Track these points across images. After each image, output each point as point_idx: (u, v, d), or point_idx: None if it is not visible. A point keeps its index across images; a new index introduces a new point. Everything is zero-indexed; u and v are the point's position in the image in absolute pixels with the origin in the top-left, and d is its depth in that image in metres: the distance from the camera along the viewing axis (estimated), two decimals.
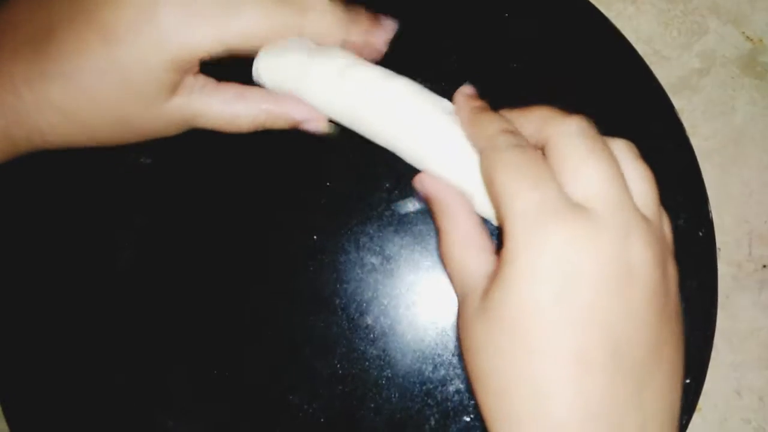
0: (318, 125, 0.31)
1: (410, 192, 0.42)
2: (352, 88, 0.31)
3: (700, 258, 0.40)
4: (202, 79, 0.30)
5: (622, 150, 0.27)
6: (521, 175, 0.24)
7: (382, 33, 0.31)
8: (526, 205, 0.23)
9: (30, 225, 0.42)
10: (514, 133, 0.27)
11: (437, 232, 0.29)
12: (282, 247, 0.41)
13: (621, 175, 0.25)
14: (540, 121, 0.27)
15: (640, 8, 0.47)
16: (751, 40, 0.47)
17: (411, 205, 0.42)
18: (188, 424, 0.40)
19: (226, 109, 0.31)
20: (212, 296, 0.41)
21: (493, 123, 0.27)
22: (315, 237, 0.41)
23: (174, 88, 0.29)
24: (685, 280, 0.40)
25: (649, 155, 0.42)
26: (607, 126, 0.43)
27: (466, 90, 0.31)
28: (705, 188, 0.41)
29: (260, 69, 0.31)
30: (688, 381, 0.39)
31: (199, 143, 0.43)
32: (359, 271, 0.40)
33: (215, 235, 0.42)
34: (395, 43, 0.44)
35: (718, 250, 0.42)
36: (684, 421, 0.38)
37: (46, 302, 0.41)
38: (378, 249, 0.41)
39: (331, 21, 0.29)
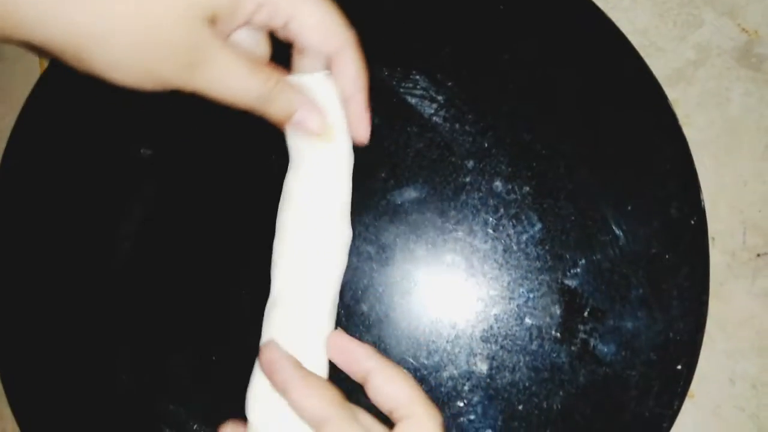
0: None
1: (405, 182, 0.42)
2: None
3: (693, 245, 0.41)
4: (243, 51, 0.29)
5: None
6: None
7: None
8: None
9: (32, 217, 0.44)
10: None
11: None
12: None
13: None
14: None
15: (636, 0, 0.48)
16: (747, 31, 0.47)
17: (406, 195, 0.42)
18: (188, 409, 0.41)
19: (231, 85, 0.29)
20: (209, 283, 0.42)
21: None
22: None
23: (205, 24, 0.27)
24: (677, 267, 0.41)
25: (642, 146, 0.43)
26: (601, 117, 0.43)
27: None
28: (697, 177, 0.42)
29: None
30: (679, 367, 0.39)
31: (198, 134, 0.44)
32: (355, 260, 0.41)
33: (213, 225, 0.43)
34: (389, 35, 0.44)
35: (712, 240, 0.42)
36: (675, 407, 0.39)
37: (48, 294, 0.42)
38: (373, 238, 0.42)
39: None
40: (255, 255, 0.42)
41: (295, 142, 0.39)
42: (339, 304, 0.41)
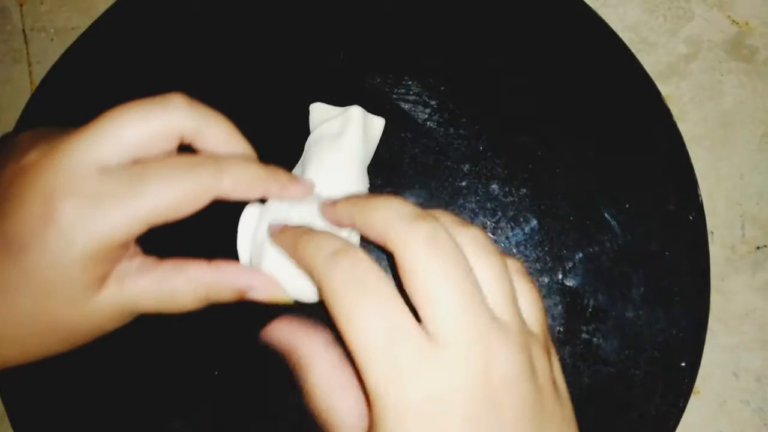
0: (264, 293, 0.30)
1: (402, 188, 0.42)
2: None
3: (692, 241, 0.41)
4: (139, 261, 0.28)
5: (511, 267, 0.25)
6: (361, 295, 0.22)
7: (300, 189, 0.30)
8: (373, 336, 0.22)
9: None
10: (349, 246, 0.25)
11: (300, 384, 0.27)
12: None
13: (475, 292, 0.23)
14: (383, 227, 0.24)
15: None
16: (737, 23, 0.47)
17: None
18: (193, 423, 0.41)
19: (162, 288, 0.28)
20: None
21: (324, 239, 0.25)
22: None
23: (101, 282, 0.26)
24: (677, 264, 0.40)
25: (638, 143, 0.43)
26: (595, 116, 0.43)
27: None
28: (694, 173, 0.42)
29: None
30: (683, 364, 0.39)
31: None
32: None
33: (212, 230, 0.42)
34: (380, 41, 0.44)
35: (711, 234, 0.42)
36: (681, 404, 0.39)
37: None
38: (374, 246, 0.41)
39: (249, 179, 0.28)
40: None
41: (310, 159, 0.38)
42: None
